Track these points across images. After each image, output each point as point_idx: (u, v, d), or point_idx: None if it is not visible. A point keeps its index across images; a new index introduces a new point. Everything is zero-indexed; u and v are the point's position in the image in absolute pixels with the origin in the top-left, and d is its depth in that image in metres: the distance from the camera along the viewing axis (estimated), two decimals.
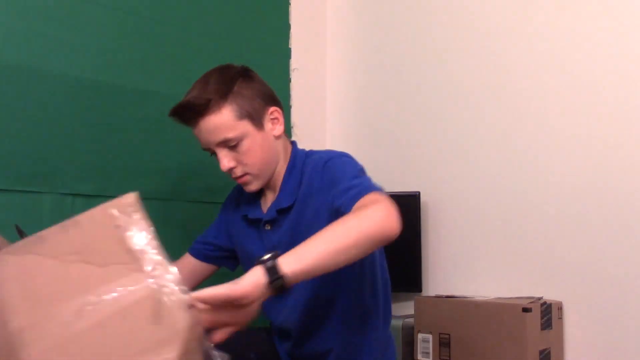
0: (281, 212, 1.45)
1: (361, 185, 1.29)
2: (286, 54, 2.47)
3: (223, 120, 1.38)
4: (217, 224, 1.68)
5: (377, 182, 1.36)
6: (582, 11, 2.03)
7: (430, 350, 1.97)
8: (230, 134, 1.39)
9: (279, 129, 1.47)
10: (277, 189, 1.49)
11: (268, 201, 1.52)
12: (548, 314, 1.90)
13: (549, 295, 1.99)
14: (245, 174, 1.43)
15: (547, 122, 2.08)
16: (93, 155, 1.84)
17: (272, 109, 1.47)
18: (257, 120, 1.43)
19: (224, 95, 1.39)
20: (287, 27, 2.49)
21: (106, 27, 1.90)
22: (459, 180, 2.27)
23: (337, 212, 1.27)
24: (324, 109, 2.66)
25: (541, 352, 1.84)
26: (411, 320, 2.06)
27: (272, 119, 1.46)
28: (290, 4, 2.52)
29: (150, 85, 2.00)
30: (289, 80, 2.46)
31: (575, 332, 1.97)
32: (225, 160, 1.41)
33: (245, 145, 1.40)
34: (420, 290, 2.25)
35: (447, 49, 2.34)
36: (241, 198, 1.58)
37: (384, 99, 2.52)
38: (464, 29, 2.31)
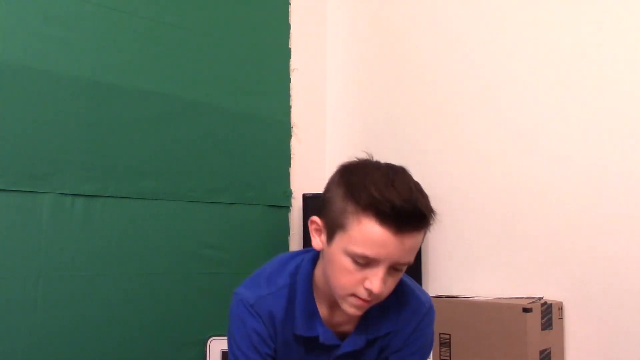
0: (372, 341, 1.27)
1: None
2: (286, 54, 2.47)
3: (419, 242, 1.16)
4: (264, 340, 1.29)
5: None
6: (583, 11, 2.03)
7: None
8: (412, 260, 1.16)
9: None
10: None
11: (338, 316, 1.26)
12: (548, 314, 1.90)
13: (550, 295, 1.99)
14: (376, 299, 1.17)
15: (547, 123, 2.08)
16: (93, 155, 1.84)
17: None
18: None
19: (433, 221, 1.19)
20: (287, 27, 2.49)
21: (106, 27, 1.90)
22: (459, 180, 2.26)
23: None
24: (324, 109, 2.66)
25: (542, 352, 1.84)
26: None
27: None
28: (290, 4, 2.52)
29: (150, 85, 2.00)
30: (289, 80, 2.46)
31: (575, 332, 1.97)
32: (382, 283, 1.13)
33: (398, 275, 1.17)
34: None
35: (447, 49, 2.34)
36: (292, 309, 1.26)
37: (383, 99, 2.52)
38: (464, 29, 2.31)
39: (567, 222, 2.01)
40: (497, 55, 2.22)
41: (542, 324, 1.86)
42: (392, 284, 1.16)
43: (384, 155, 2.65)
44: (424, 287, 2.27)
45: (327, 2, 2.71)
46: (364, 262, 1.11)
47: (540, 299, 1.94)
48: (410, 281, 1.32)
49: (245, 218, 2.24)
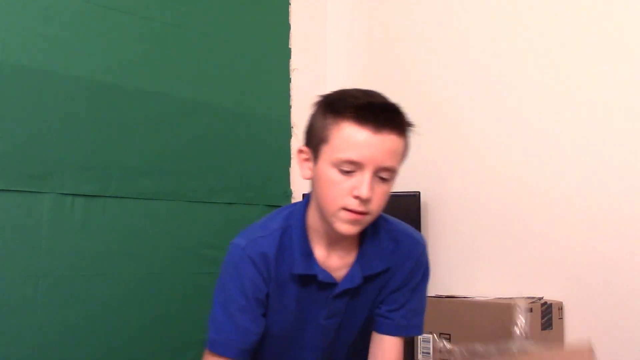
0: (369, 278, 1.29)
1: (413, 327, 1.39)
2: (286, 54, 2.47)
3: (401, 147, 1.19)
4: (256, 309, 1.28)
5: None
6: (583, 11, 2.03)
7: (431, 350, 1.97)
8: (397, 165, 1.20)
9: None
10: (355, 241, 1.29)
11: (334, 257, 1.28)
12: (548, 314, 1.90)
13: (550, 295, 1.99)
14: (367, 213, 1.18)
15: (547, 123, 2.08)
16: (93, 155, 1.84)
17: None
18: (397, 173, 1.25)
19: (410, 126, 1.22)
20: (287, 27, 2.49)
21: (106, 27, 1.90)
22: (459, 180, 2.26)
23: (380, 316, 1.34)
24: None
25: None
26: None
27: None
28: (290, 4, 2.52)
29: (150, 85, 2.00)
30: (289, 80, 2.46)
31: (575, 332, 1.97)
32: (369, 189, 1.15)
33: (388, 186, 1.20)
34: None
35: (447, 49, 2.34)
36: (287, 251, 1.27)
37: None
38: (464, 29, 2.31)
39: (567, 222, 2.01)
40: (497, 56, 2.22)
41: (542, 324, 1.86)
42: (380, 195, 1.18)
43: None
44: None
45: (327, 2, 2.71)
46: (350, 169, 1.15)
47: (540, 298, 1.94)
48: (403, 224, 1.37)
49: (245, 218, 2.24)
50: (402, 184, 2.34)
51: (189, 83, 2.11)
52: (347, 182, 1.15)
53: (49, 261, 1.73)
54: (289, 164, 2.46)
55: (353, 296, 1.29)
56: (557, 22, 2.09)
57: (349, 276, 1.27)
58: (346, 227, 1.18)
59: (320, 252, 1.27)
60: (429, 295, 2.22)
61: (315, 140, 1.20)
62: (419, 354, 2.00)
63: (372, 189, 1.16)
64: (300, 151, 1.24)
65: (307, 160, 1.23)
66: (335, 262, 1.27)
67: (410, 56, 2.45)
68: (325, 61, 2.68)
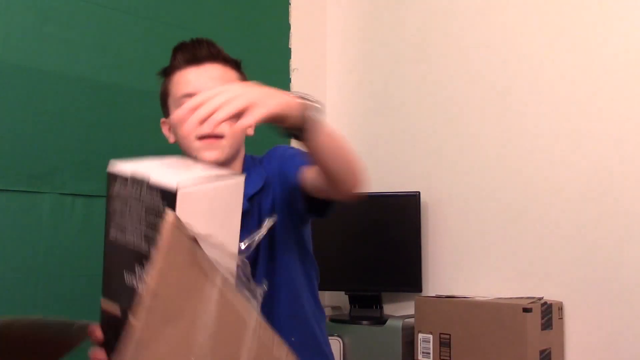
0: (251, 200, 1.36)
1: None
2: (286, 54, 2.47)
3: (229, 76, 1.36)
4: None
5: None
6: (584, 11, 2.03)
7: (431, 350, 1.97)
8: None
9: (251, 129, 1.42)
10: None
11: None
12: (548, 314, 1.90)
13: (550, 295, 1.99)
14: (219, 136, 1.32)
15: (547, 122, 2.08)
16: (93, 155, 1.84)
17: None
18: None
19: (237, 63, 1.40)
20: (287, 27, 2.49)
21: (106, 27, 1.90)
22: (459, 180, 2.26)
23: (285, 177, 1.33)
24: (323, 109, 2.66)
25: (541, 352, 1.84)
26: (411, 320, 2.06)
27: None
28: (290, 4, 2.52)
29: (150, 85, 1.99)
30: (289, 80, 2.46)
31: (575, 332, 1.97)
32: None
33: None
34: (420, 290, 2.25)
35: (447, 50, 2.34)
36: None
37: (383, 98, 2.52)
38: (464, 29, 2.31)
39: (567, 222, 2.01)
40: (499, 56, 2.22)
41: (542, 324, 1.86)
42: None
43: (384, 154, 2.67)
44: (423, 287, 2.28)
45: (327, 2, 2.71)
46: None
47: (540, 299, 1.94)
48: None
49: None
50: (402, 184, 2.36)
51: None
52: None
53: (48, 261, 1.73)
54: None
55: (251, 222, 1.31)
56: (557, 22, 2.09)
57: None
58: (207, 154, 1.31)
59: None
60: (428, 295, 2.24)
61: (163, 103, 1.38)
62: (419, 354, 2.00)
63: None
64: (163, 123, 1.41)
65: (166, 126, 1.40)
66: None
67: (410, 56, 2.45)
68: (325, 61, 2.68)
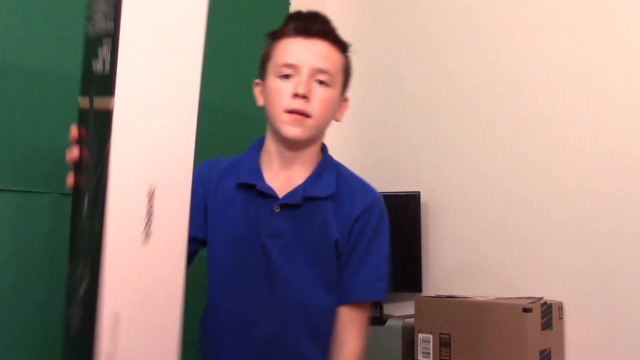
0: (308, 199, 1.34)
1: (372, 291, 1.36)
2: None
3: (334, 56, 1.35)
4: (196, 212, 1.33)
5: (385, 284, 1.37)
6: (585, 11, 2.04)
7: (431, 350, 1.97)
8: (332, 70, 1.33)
9: (341, 116, 1.42)
10: (304, 171, 1.37)
11: (282, 178, 1.37)
12: (548, 314, 1.90)
13: (549, 295, 1.99)
14: (307, 115, 1.31)
15: (547, 122, 2.08)
16: None
17: (346, 96, 1.44)
18: (344, 87, 1.40)
19: (345, 45, 1.40)
20: None
21: None
22: (459, 180, 2.27)
23: (333, 280, 1.33)
24: None
25: (541, 352, 1.84)
26: (411, 320, 2.06)
27: (343, 101, 1.42)
28: (290, 4, 2.52)
29: None
30: None
31: (575, 332, 1.97)
32: (307, 85, 1.30)
33: (327, 92, 1.32)
34: (420, 290, 2.25)
35: (447, 49, 2.34)
36: (238, 165, 1.41)
37: (384, 98, 2.52)
38: (464, 29, 2.31)
39: (567, 222, 2.01)
40: (499, 57, 2.22)
41: (542, 324, 1.86)
42: (321, 99, 1.31)
43: (384, 154, 2.67)
44: (423, 287, 2.28)
45: (327, 2, 2.71)
46: (288, 73, 1.31)
47: (540, 299, 1.94)
48: (357, 176, 1.43)
49: None
50: (402, 184, 2.36)
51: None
52: (288, 86, 1.30)
53: (49, 261, 1.73)
54: None
55: (296, 219, 1.33)
56: (560, 21, 2.09)
57: (291, 193, 1.34)
58: (290, 129, 1.30)
59: (269, 172, 1.37)
60: (428, 295, 2.24)
61: (263, 64, 1.37)
62: (419, 354, 2.00)
63: (310, 89, 1.30)
64: (256, 84, 1.40)
65: (261, 90, 1.38)
66: (282, 183, 1.36)
67: (411, 55, 2.45)
68: None
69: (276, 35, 1.36)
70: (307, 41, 1.33)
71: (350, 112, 2.59)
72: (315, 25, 1.35)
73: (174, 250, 0.98)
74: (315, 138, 1.37)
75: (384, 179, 2.42)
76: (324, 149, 1.43)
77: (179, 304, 1.00)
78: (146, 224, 0.94)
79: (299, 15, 1.37)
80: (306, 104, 1.30)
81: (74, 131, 1.04)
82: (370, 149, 2.51)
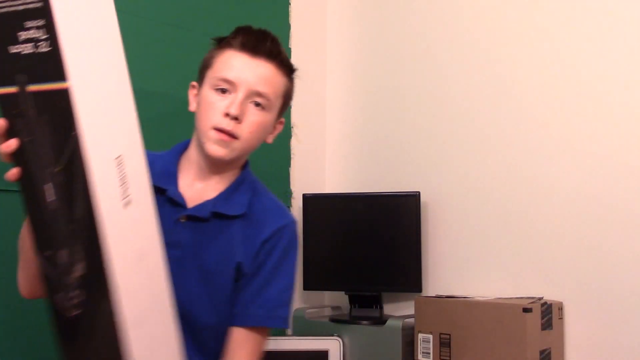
0: (217, 216, 1.31)
1: (273, 317, 1.31)
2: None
3: (277, 80, 1.31)
4: None
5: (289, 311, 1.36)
6: (585, 11, 2.03)
7: (431, 350, 1.97)
8: (271, 95, 1.30)
9: (272, 137, 1.40)
10: (220, 186, 1.34)
11: (196, 189, 1.34)
12: (548, 314, 1.90)
13: (550, 295, 1.99)
14: (235, 137, 1.27)
15: (547, 122, 2.08)
16: None
17: (282, 118, 1.42)
18: (281, 111, 1.38)
19: (291, 69, 1.37)
20: (287, 27, 2.49)
21: None
22: (459, 180, 2.26)
23: (226, 300, 1.30)
24: (324, 109, 2.66)
25: (541, 352, 1.84)
26: (411, 320, 2.06)
27: (278, 123, 1.40)
28: (290, 4, 2.52)
29: (150, 85, 2.00)
30: None
31: (576, 332, 1.97)
32: (240, 106, 1.26)
33: (261, 116, 1.29)
34: (420, 290, 2.25)
35: (447, 49, 2.34)
36: (155, 164, 1.32)
37: (383, 98, 2.52)
38: (464, 29, 2.31)
39: (567, 222, 2.01)
40: (498, 57, 2.22)
41: (542, 324, 1.86)
42: (253, 122, 1.28)
43: (384, 154, 2.67)
44: (423, 287, 2.28)
45: (327, 2, 2.71)
46: (225, 88, 1.27)
47: (540, 298, 1.94)
48: (276, 199, 1.40)
49: None
50: (402, 184, 2.36)
51: (189, 83, 2.11)
52: (222, 102, 1.26)
53: None
54: (288, 164, 2.46)
55: (200, 234, 1.30)
56: (559, 22, 2.09)
57: (199, 205, 1.31)
58: (215, 147, 1.27)
59: (184, 179, 1.34)
60: (428, 295, 2.24)
61: (202, 70, 1.33)
62: (419, 354, 2.00)
63: (243, 111, 1.26)
64: (192, 86, 1.36)
65: (196, 95, 1.34)
66: (194, 193, 1.33)
67: (411, 55, 2.45)
68: (325, 61, 2.68)
69: (221, 45, 1.32)
70: (252, 60, 1.28)
71: (350, 112, 2.61)
72: (263, 45, 1.29)
73: (149, 210, 1.05)
74: (239, 159, 1.35)
75: (384, 179, 2.42)
76: (245, 165, 1.40)
77: (162, 258, 1.06)
78: (123, 191, 0.98)
79: (249, 30, 1.32)
80: (236, 126, 1.27)
81: (1, 122, 0.97)
82: (370, 149, 2.51)
